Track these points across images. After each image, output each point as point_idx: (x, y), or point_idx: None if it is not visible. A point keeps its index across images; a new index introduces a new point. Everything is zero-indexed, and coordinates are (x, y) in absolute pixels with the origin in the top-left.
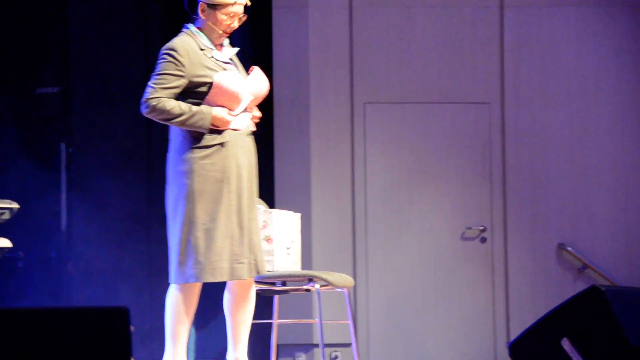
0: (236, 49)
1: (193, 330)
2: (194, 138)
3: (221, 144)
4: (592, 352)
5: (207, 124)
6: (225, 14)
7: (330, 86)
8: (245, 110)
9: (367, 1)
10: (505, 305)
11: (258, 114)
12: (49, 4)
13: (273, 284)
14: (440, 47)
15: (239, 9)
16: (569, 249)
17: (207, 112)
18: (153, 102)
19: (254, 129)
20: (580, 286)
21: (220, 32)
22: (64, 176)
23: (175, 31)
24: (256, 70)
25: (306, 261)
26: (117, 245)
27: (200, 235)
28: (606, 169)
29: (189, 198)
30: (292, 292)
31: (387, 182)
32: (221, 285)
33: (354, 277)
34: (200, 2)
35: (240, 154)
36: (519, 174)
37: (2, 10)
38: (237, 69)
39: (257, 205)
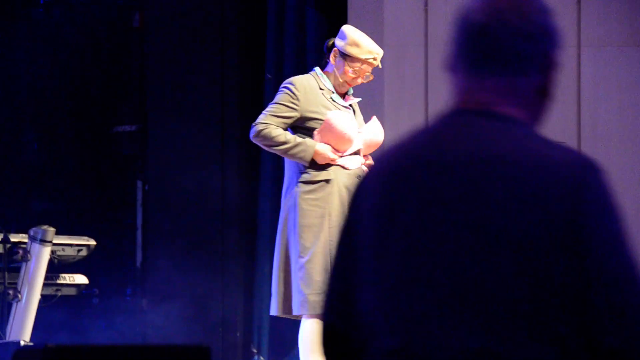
0: (357, 99)
1: None
2: (301, 173)
3: (326, 181)
4: None
5: (308, 156)
6: (352, 68)
7: (405, 124)
8: (358, 154)
9: (443, 40)
10: None
11: (370, 162)
12: (127, 41)
13: None
14: None
15: (368, 68)
16: None
17: (311, 145)
18: (260, 127)
19: (362, 173)
20: None
21: (342, 81)
22: (139, 213)
23: (250, 70)
24: (374, 120)
25: None
26: (192, 283)
27: (296, 268)
28: None
29: (292, 231)
30: None
31: None
32: (295, 322)
33: None
34: (335, 48)
35: (345, 193)
36: None
37: (82, 49)
38: (355, 116)
39: None
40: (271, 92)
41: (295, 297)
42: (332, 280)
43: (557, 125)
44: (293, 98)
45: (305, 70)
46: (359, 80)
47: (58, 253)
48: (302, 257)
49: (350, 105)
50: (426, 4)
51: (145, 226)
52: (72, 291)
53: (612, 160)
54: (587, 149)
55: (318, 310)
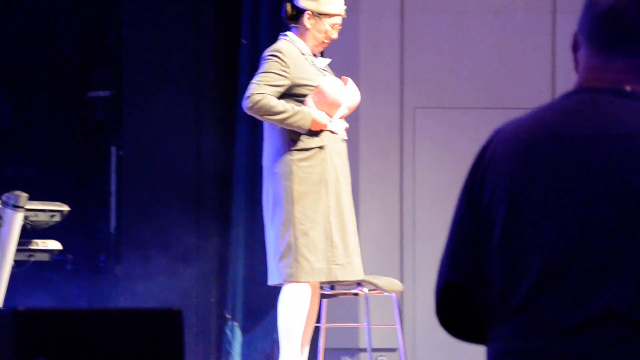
0: (329, 60)
1: (239, 332)
2: (293, 141)
3: (320, 147)
4: None
5: (307, 124)
6: (331, 25)
7: (380, 90)
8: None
9: (419, 6)
10: None
11: (346, 124)
12: (101, 7)
13: (321, 287)
14: (492, 51)
15: (340, 21)
16: None
17: (308, 113)
18: (257, 97)
19: (345, 137)
20: None
21: (323, 41)
22: (114, 179)
23: (225, 35)
24: (350, 82)
25: None
26: (166, 249)
27: (299, 235)
28: None
29: (288, 200)
30: (340, 296)
31: (435, 187)
32: (270, 288)
33: (401, 282)
34: (307, 11)
35: (336, 158)
36: None
37: (55, 14)
38: None
39: None
40: (247, 58)
41: (301, 263)
42: (455, 240)
43: (532, 91)
44: (283, 66)
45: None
46: (335, 35)
47: (31, 219)
48: (303, 224)
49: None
50: None
51: (120, 192)
52: (46, 257)
53: None
54: None
55: (322, 277)
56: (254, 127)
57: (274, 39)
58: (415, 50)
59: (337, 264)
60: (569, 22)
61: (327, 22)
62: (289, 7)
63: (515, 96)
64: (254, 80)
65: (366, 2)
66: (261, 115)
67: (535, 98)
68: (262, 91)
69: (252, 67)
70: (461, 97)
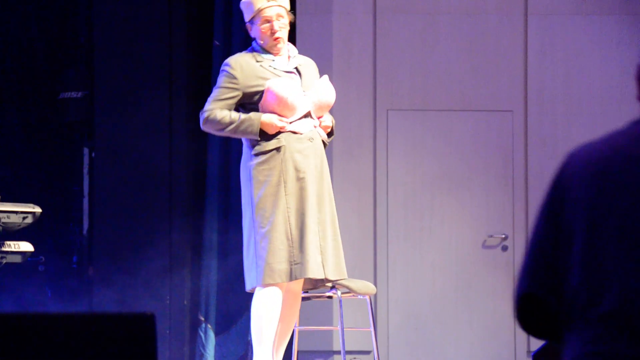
0: (303, 58)
1: (212, 335)
2: (252, 146)
3: (277, 149)
4: None
5: (255, 129)
6: (261, 26)
7: (353, 92)
8: (308, 117)
9: (391, 7)
10: None
11: (328, 123)
12: (73, 8)
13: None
14: (464, 54)
15: (272, 12)
16: None
17: (255, 118)
18: (205, 114)
19: (324, 136)
20: None
21: (269, 41)
22: (86, 181)
23: (198, 37)
24: (323, 79)
25: None
26: (139, 250)
27: (259, 239)
28: None
29: (252, 205)
30: (314, 299)
31: (409, 190)
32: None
33: (375, 284)
34: (246, 24)
35: (299, 157)
36: (542, 181)
37: (27, 15)
38: (302, 77)
39: None
40: (219, 59)
41: (261, 267)
42: (535, 255)
43: (504, 93)
44: (231, 77)
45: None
46: (276, 27)
47: (3, 220)
48: (262, 227)
49: (296, 67)
50: None
51: (92, 193)
52: (18, 258)
53: (558, 128)
54: (534, 117)
55: (283, 278)
56: None
57: (246, 40)
58: (387, 52)
59: (297, 263)
60: (541, 24)
61: (258, 21)
62: (248, 28)
63: (487, 98)
64: (208, 98)
65: (338, 4)
66: (215, 130)
67: (507, 100)
68: (210, 107)
69: None
70: (433, 99)
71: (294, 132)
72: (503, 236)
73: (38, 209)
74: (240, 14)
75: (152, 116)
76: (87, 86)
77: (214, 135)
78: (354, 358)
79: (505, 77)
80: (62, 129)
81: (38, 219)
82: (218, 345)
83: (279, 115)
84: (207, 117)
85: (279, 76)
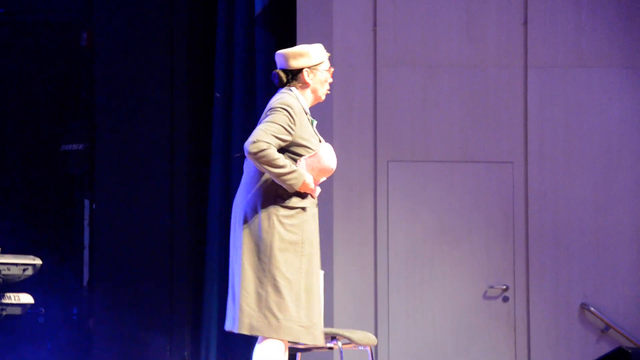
0: (316, 121)
1: None
2: (281, 197)
3: (303, 208)
4: None
5: (298, 185)
6: (325, 73)
7: (354, 144)
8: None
9: (392, 61)
10: None
11: (320, 189)
12: (76, 62)
13: (296, 342)
14: (464, 106)
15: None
16: (592, 309)
17: (302, 175)
18: (264, 146)
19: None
20: (604, 347)
21: (320, 93)
22: (87, 232)
23: (198, 87)
24: (331, 148)
25: (328, 319)
26: (139, 303)
27: (271, 291)
28: (630, 228)
29: (266, 253)
30: (315, 350)
31: (409, 240)
32: (244, 341)
33: (376, 335)
34: (305, 68)
35: (312, 222)
36: (542, 233)
37: (30, 68)
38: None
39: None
40: (220, 111)
41: (268, 319)
42: None
43: (504, 145)
44: (291, 122)
45: (254, 90)
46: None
47: (3, 272)
48: (277, 280)
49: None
50: (375, 25)
51: (93, 245)
52: (18, 310)
53: (558, 179)
54: (534, 169)
55: (289, 336)
56: (228, 176)
57: (247, 93)
58: (388, 105)
59: (302, 326)
60: (540, 76)
61: (322, 69)
62: (281, 73)
63: (487, 150)
64: (260, 127)
65: (339, 57)
66: (261, 163)
67: (507, 152)
68: (268, 140)
69: (225, 119)
70: (434, 150)
71: (312, 196)
72: (504, 287)
73: (38, 261)
74: (242, 65)
75: (153, 169)
76: (88, 139)
77: (214, 185)
78: None
79: (505, 129)
80: (63, 180)
81: (38, 271)
82: None
83: (314, 178)
84: (265, 150)
85: (320, 139)
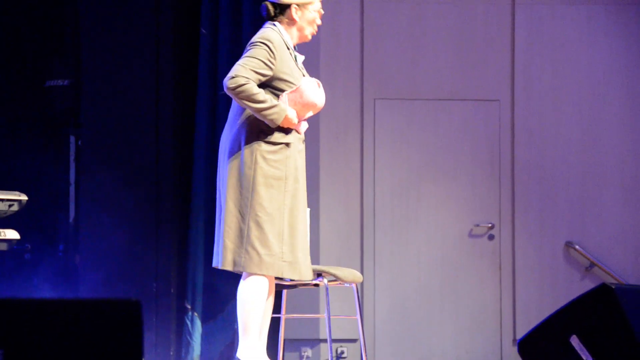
0: (303, 57)
1: (199, 323)
2: (263, 132)
3: (287, 144)
4: (601, 349)
5: (280, 120)
6: (314, 11)
7: (340, 81)
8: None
9: None
10: (512, 302)
11: (307, 125)
12: None
13: (282, 278)
14: (451, 43)
15: (321, 9)
16: (577, 247)
17: (284, 110)
18: (242, 81)
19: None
20: (588, 284)
21: (307, 32)
22: (72, 169)
23: (185, 25)
24: (320, 85)
25: (314, 256)
26: (125, 239)
27: (252, 226)
28: (615, 167)
29: (248, 188)
30: (301, 287)
31: (395, 178)
32: (230, 278)
33: (361, 273)
34: (292, 5)
35: (298, 158)
36: (528, 171)
37: (15, 3)
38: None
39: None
40: (206, 47)
41: (250, 254)
42: None
43: (491, 83)
44: (271, 57)
45: (241, 25)
46: (319, 23)
47: None
48: (258, 216)
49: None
50: None
51: (79, 182)
52: (4, 246)
53: (545, 117)
54: (521, 105)
55: (271, 271)
56: (214, 115)
57: (233, 29)
58: (375, 42)
59: (285, 261)
60: (528, 13)
61: (312, 9)
62: (270, 6)
63: (474, 88)
64: (240, 62)
65: None
66: (240, 99)
67: (494, 90)
68: (247, 75)
69: (211, 56)
70: (421, 88)
71: (297, 132)
72: (489, 225)
73: (24, 197)
74: (228, 1)
75: (139, 104)
76: (74, 74)
77: (200, 123)
78: (341, 347)
79: (492, 67)
80: (49, 117)
81: (24, 207)
82: (205, 333)
83: (298, 113)
84: (243, 85)
85: (304, 74)
